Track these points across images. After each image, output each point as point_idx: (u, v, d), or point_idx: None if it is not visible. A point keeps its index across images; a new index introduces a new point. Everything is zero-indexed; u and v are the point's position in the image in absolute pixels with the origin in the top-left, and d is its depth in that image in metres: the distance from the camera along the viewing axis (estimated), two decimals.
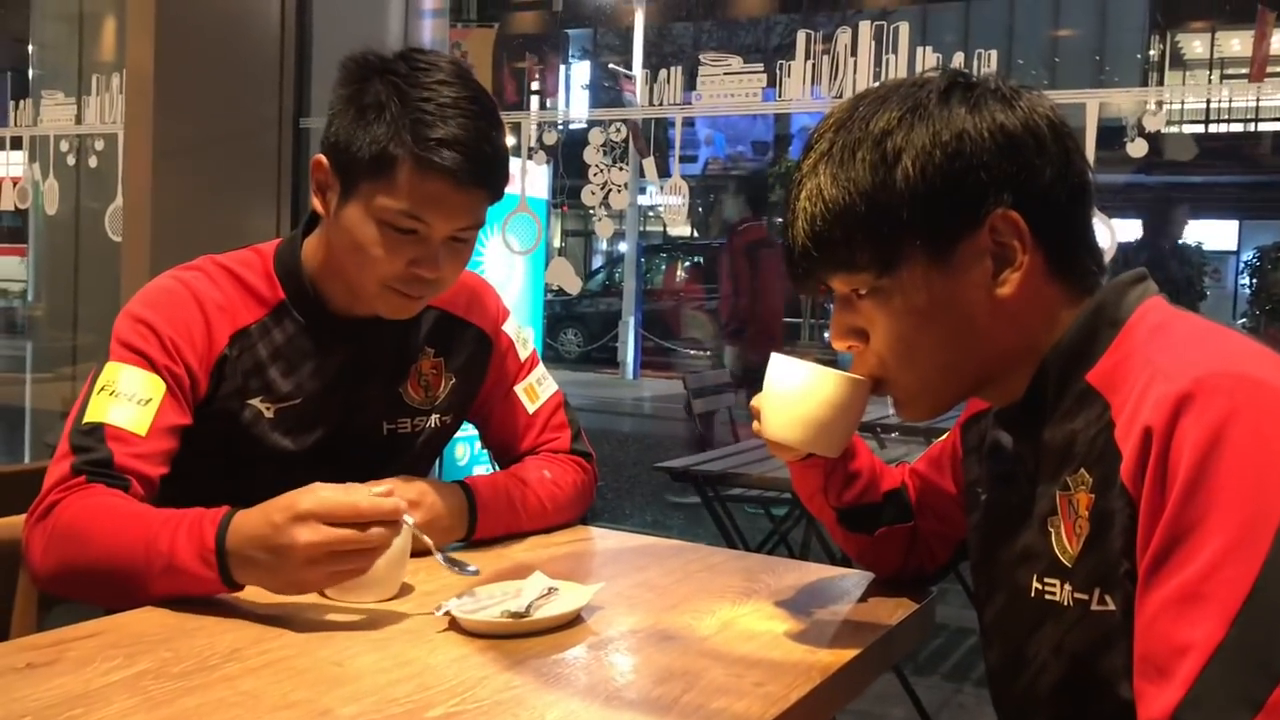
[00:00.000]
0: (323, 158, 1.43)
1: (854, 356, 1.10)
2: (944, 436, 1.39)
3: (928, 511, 1.38)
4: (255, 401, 1.48)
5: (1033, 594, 1.03)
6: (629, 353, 14.94)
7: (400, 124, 1.35)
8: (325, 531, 1.15)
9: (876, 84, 1.10)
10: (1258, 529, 0.83)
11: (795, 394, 1.18)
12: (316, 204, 1.46)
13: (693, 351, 16.15)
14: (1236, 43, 25.16)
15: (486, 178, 1.40)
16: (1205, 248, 23.84)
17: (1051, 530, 1.01)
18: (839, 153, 1.02)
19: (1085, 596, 0.97)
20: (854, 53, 2.43)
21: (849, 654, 1.18)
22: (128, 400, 1.36)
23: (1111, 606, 0.94)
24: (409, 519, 1.27)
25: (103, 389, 1.38)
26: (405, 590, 1.32)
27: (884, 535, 1.38)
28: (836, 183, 1.01)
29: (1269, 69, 2.76)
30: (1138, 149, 2.18)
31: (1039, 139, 1.01)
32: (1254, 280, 21.03)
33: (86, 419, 1.36)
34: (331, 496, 1.17)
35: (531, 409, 1.70)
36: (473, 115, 1.37)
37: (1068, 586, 0.99)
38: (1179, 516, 0.86)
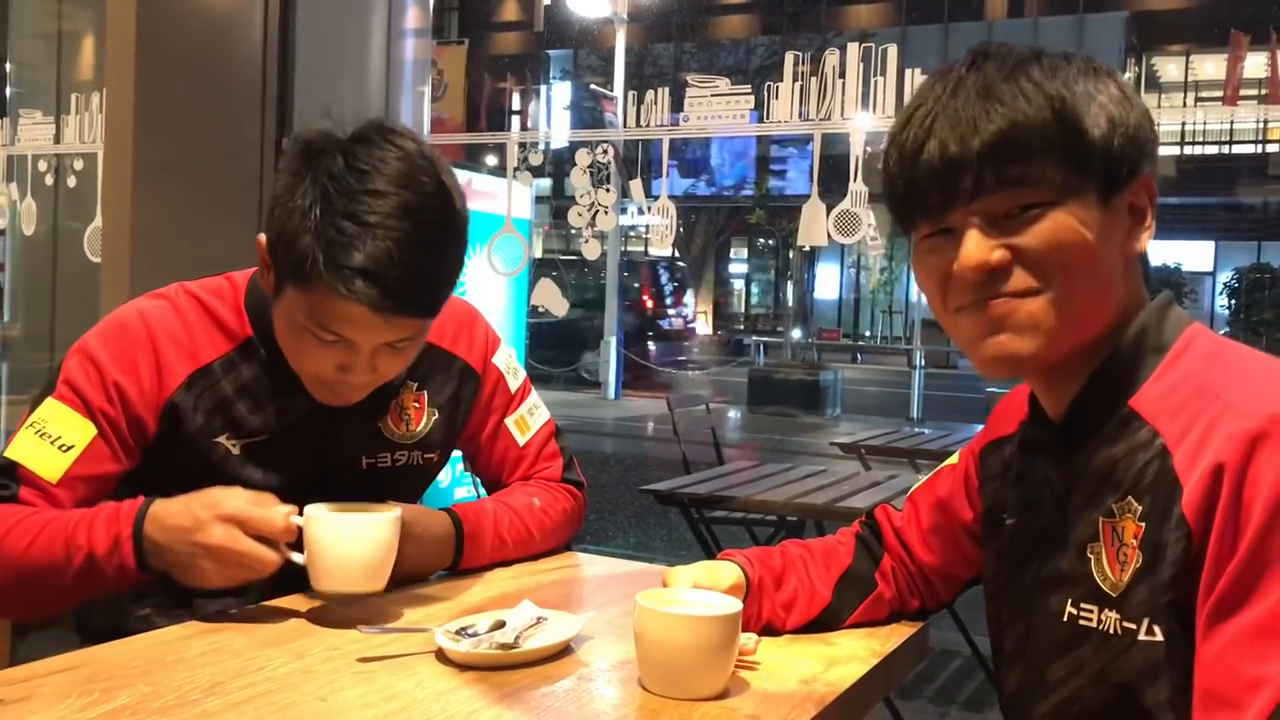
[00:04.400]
0: (263, 238, 1.36)
1: (992, 277, 1.00)
2: (947, 463, 1.35)
3: (937, 547, 1.34)
4: (222, 439, 1.44)
5: (1065, 619, 1.02)
6: (610, 372, 14.92)
7: (318, 242, 1.25)
8: (238, 539, 1.25)
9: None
10: None
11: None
12: (260, 280, 1.41)
13: (675, 371, 16.15)
14: (1210, 66, 25.46)
15: (409, 306, 1.29)
16: (1183, 268, 24.12)
17: (1091, 556, 1.00)
18: (1030, 73, 0.99)
19: (1134, 626, 0.95)
20: (841, 74, 2.43)
21: (843, 684, 1.16)
22: (50, 443, 1.35)
23: (1159, 637, 0.93)
24: (397, 510, 1.33)
25: (32, 424, 1.37)
26: (390, 618, 1.30)
27: (857, 616, 1.35)
28: (1043, 95, 0.98)
29: (1243, 92, 2.77)
30: None
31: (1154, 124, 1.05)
32: (1233, 301, 21.26)
33: (8, 453, 1.36)
34: (250, 509, 1.27)
35: (522, 441, 1.66)
36: (400, 236, 1.25)
37: (1113, 614, 0.97)
38: (1255, 555, 0.85)
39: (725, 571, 1.27)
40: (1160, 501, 0.93)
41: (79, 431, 1.36)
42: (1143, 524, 0.94)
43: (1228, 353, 0.99)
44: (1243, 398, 0.91)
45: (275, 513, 1.28)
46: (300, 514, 1.29)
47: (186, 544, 1.25)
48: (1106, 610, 0.98)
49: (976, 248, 1.00)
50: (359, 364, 1.34)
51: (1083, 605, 1.00)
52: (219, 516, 1.25)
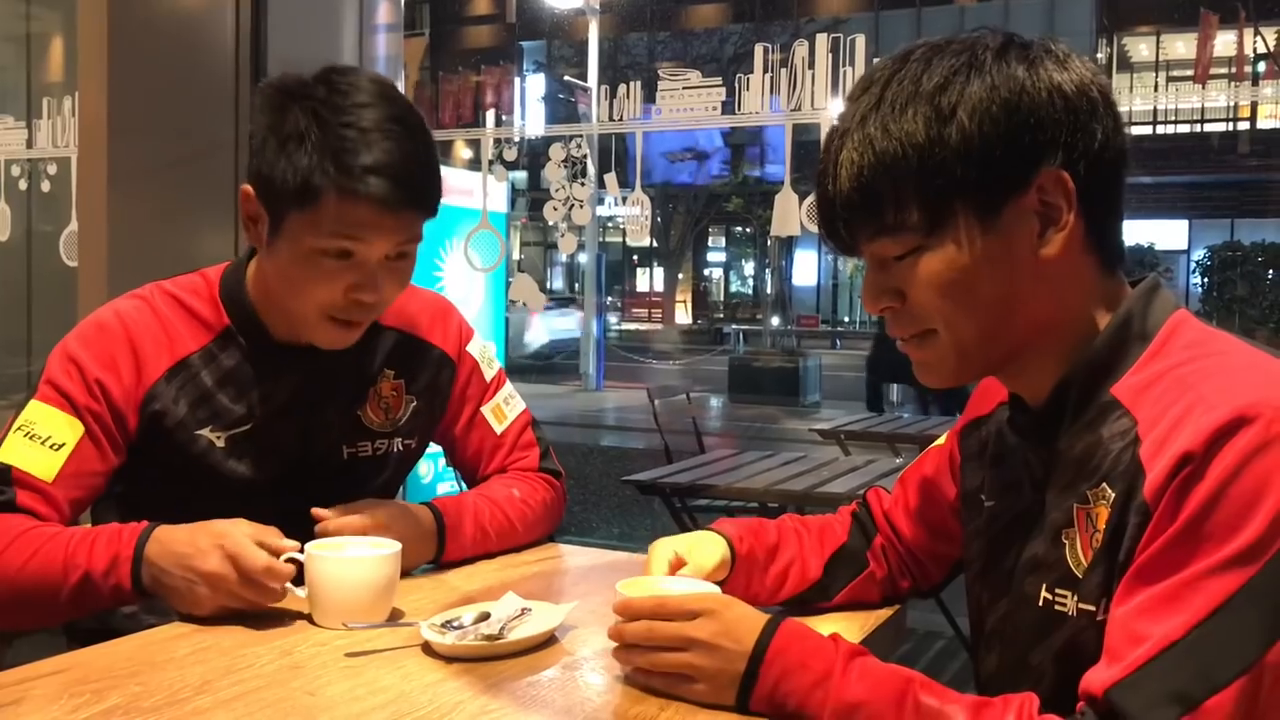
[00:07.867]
0: (249, 188, 1.39)
1: (889, 318, 1.06)
2: (936, 443, 1.37)
3: (924, 527, 1.35)
4: (205, 432, 1.46)
5: (1041, 603, 1.03)
6: (591, 364, 14.93)
7: (323, 153, 1.31)
8: (233, 572, 1.26)
9: (922, 40, 1.04)
10: (1255, 553, 0.85)
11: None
12: (247, 235, 1.43)
13: (655, 363, 16.18)
14: (1181, 45, 25.62)
15: (417, 199, 1.37)
16: (1156, 247, 24.31)
17: (1066, 542, 1.01)
18: (890, 105, 0.98)
19: (1092, 608, 0.97)
20: (811, 65, 2.45)
21: None
22: (41, 444, 1.37)
23: None
24: (397, 546, 1.32)
25: (20, 428, 1.38)
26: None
27: (846, 595, 1.36)
28: (888, 135, 0.97)
29: (1212, 70, 2.81)
30: None
31: (1093, 103, 0.99)
32: (1205, 279, 21.45)
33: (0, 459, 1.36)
34: (250, 548, 1.27)
35: (499, 429, 1.69)
36: (397, 137, 1.34)
37: (1076, 598, 0.98)
38: (1186, 532, 0.87)
39: (710, 545, 1.28)
40: (1128, 488, 0.94)
41: (68, 430, 1.38)
42: (1112, 509, 0.95)
43: (1211, 343, 0.99)
44: (1214, 389, 0.91)
45: (268, 556, 1.27)
46: (302, 550, 1.30)
47: (183, 569, 1.27)
48: (1075, 594, 0.99)
49: (867, 295, 1.04)
50: (367, 279, 1.37)
51: (1057, 590, 1.01)
52: (219, 547, 1.26)
